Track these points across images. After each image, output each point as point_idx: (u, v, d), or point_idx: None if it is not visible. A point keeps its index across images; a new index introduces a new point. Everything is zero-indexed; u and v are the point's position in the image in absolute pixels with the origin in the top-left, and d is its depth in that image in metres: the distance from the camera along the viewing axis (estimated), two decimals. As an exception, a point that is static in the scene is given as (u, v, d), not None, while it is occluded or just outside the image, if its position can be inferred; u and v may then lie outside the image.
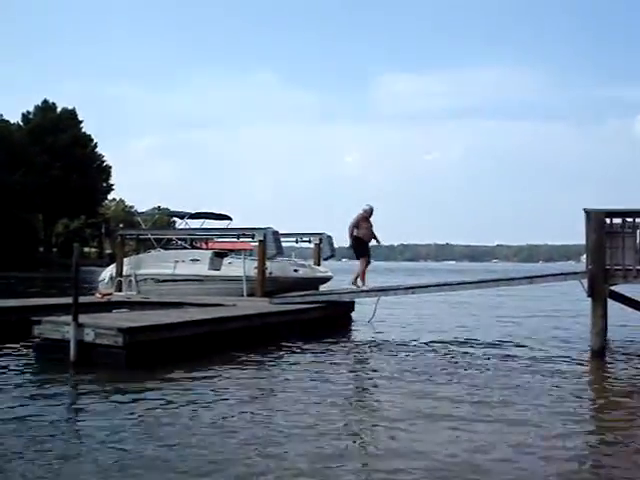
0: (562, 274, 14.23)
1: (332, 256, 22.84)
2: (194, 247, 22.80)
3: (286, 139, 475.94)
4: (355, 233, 16.27)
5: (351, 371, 10.53)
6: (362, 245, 16.39)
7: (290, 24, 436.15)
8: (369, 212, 16.47)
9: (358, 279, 16.40)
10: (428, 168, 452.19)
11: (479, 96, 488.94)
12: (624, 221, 12.59)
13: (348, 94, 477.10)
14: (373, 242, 16.87)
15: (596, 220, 12.23)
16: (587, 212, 12.49)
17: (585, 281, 12.50)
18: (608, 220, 12.39)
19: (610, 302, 12.68)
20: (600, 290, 12.15)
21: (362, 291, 16.16)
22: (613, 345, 13.18)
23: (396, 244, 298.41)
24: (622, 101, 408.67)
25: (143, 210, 35.76)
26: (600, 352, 11.92)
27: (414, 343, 13.51)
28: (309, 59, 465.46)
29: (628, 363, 11.44)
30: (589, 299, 12.27)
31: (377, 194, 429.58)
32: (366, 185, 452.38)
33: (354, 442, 6.49)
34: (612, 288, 13.11)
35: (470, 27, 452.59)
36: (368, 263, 16.66)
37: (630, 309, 14.94)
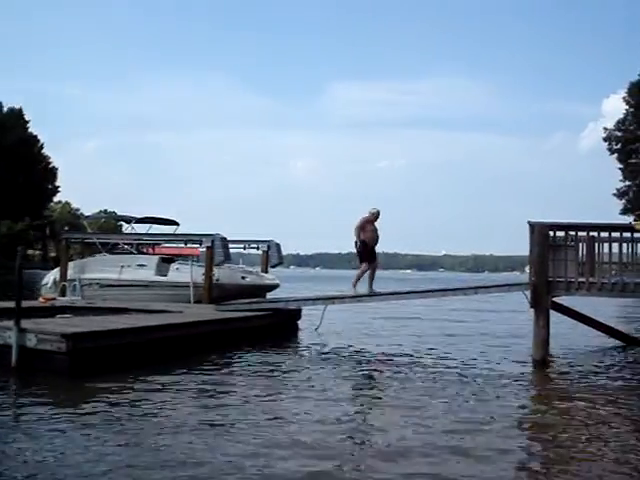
0: (506, 285, 14.49)
1: (280, 263, 22.83)
2: (140, 252, 22.54)
3: (237, 143, 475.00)
4: (361, 237, 15.72)
5: (293, 379, 10.49)
6: (366, 249, 15.87)
7: (245, 27, 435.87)
8: (375, 215, 15.96)
9: (359, 283, 16.08)
10: (377, 177, 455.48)
11: (429, 106, 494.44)
12: (567, 234, 12.88)
13: (300, 100, 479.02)
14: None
15: (539, 233, 12.46)
16: (531, 225, 12.72)
17: (528, 292, 12.72)
18: (551, 233, 12.65)
19: (554, 313, 12.94)
20: (542, 301, 12.37)
21: (308, 299, 16.19)
22: (555, 355, 13.42)
23: (344, 252, 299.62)
24: (568, 116, 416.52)
25: (89, 213, 35.40)
26: (542, 362, 12.13)
27: (358, 352, 13.58)
28: (263, 63, 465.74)
29: (568, 373, 11.66)
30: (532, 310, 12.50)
31: (326, 201, 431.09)
32: (315, 192, 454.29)
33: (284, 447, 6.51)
34: (554, 299, 13.39)
35: (422, 38, 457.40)
36: (375, 267, 16.19)
37: (572, 320, 15.31)
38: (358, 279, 15.96)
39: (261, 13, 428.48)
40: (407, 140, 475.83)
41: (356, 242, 15.72)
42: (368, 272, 15.91)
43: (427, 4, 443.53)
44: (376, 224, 15.99)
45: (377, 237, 16.05)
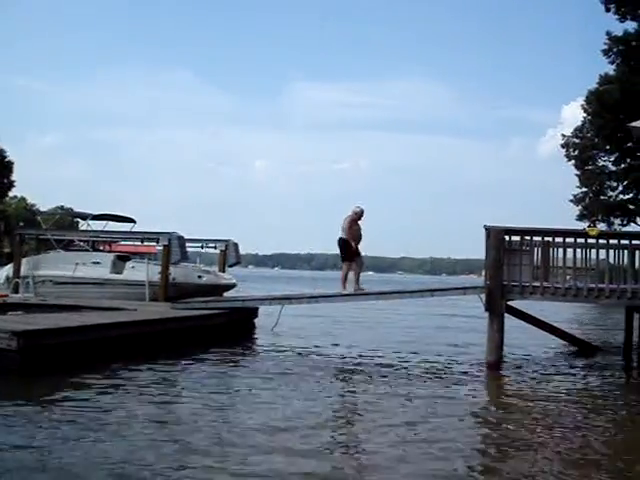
0: (462, 288, 14.57)
1: (237, 263, 22.74)
2: (96, 249, 22.30)
3: (197, 141, 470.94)
4: (343, 235, 15.58)
5: (247, 377, 10.45)
6: (349, 247, 15.68)
7: (207, 25, 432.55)
8: (359, 214, 15.80)
9: (347, 283, 15.84)
10: (337, 178, 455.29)
11: (392, 108, 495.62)
12: (522, 239, 13.01)
13: (262, 99, 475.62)
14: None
15: (495, 237, 12.56)
16: (487, 229, 12.82)
17: (484, 296, 12.81)
18: (507, 237, 12.76)
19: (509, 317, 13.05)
20: (497, 305, 12.46)
21: (265, 298, 16.13)
22: (509, 358, 13.54)
23: (303, 252, 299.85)
24: (528, 122, 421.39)
25: (45, 209, 34.94)
26: (495, 365, 12.22)
27: (311, 353, 13.58)
28: (224, 61, 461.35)
29: (520, 375, 11.78)
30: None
31: (286, 202, 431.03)
32: (275, 193, 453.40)
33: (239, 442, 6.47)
34: (509, 303, 13.50)
35: (385, 40, 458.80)
36: (361, 264, 16.07)
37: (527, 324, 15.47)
38: (345, 279, 15.75)
39: (224, 11, 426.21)
40: (369, 142, 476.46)
41: (340, 240, 15.59)
42: (354, 270, 15.76)
43: (391, 7, 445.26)
44: (360, 223, 15.88)
45: (360, 236, 15.94)
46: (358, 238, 15.84)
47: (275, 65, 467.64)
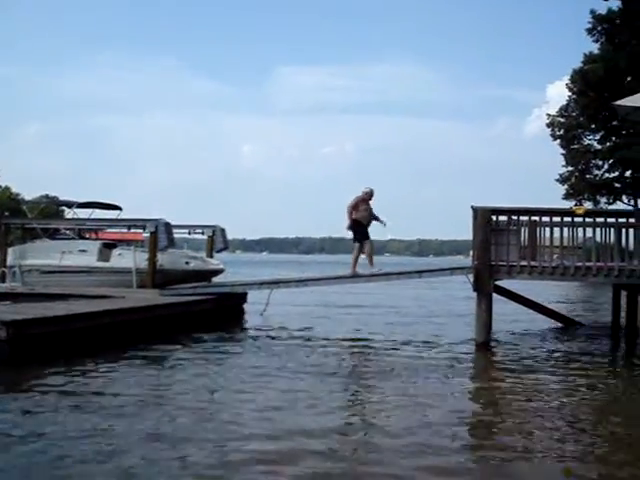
0: (450, 269, 14.63)
1: (225, 248, 22.67)
2: (82, 237, 22.18)
3: (183, 127, 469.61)
4: (353, 215, 15.44)
5: (238, 366, 10.44)
6: (360, 228, 15.54)
7: (192, 10, 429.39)
8: (369, 194, 15.65)
9: (363, 265, 15.81)
10: (324, 162, 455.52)
11: (378, 91, 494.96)
12: (509, 219, 13.04)
13: (248, 84, 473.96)
14: (376, 224, 16.04)
15: (482, 217, 12.58)
16: (474, 209, 12.85)
17: (471, 276, 12.86)
18: (494, 217, 12.79)
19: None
20: (485, 285, 12.51)
21: (254, 283, 16.13)
22: (497, 337, 13.61)
23: (291, 237, 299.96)
24: (514, 102, 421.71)
25: (30, 198, 34.76)
26: (484, 344, 12.29)
27: (302, 337, 13.60)
28: (213, 46, 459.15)
29: (509, 354, 11.83)
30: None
31: (273, 186, 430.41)
32: (262, 177, 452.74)
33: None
34: (497, 283, 13.57)
35: (371, 23, 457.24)
36: (371, 246, 15.84)
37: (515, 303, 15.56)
38: (355, 261, 15.65)
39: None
40: (355, 125, 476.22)
41: (351, 222, 15.46)
42: (366, 251, 15.69)
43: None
44: (370, 203, 15.73)
45: (371, 216, 15.73)
46: (367, 219, 15.62)
47: (260, 49, 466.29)
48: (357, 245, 15.59)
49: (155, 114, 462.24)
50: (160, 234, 18.31)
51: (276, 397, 8.00)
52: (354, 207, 15.39)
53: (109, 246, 20.29)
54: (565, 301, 24.79)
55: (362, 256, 15.66)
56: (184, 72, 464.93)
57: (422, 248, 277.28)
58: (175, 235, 19.92)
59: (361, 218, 15.48)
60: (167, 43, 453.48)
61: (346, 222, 15.55)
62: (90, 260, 19.66)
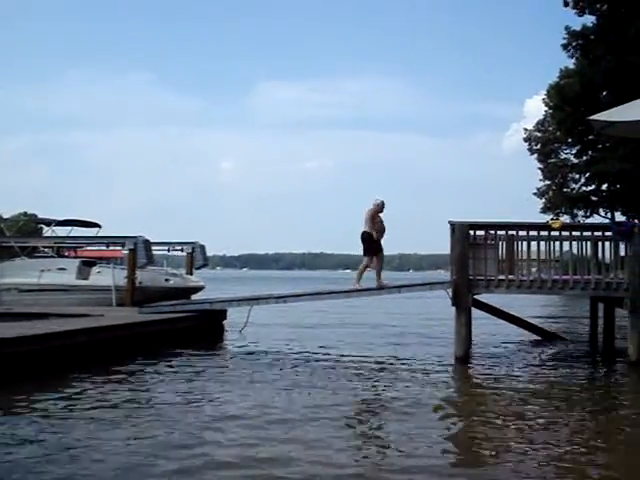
0: (429, 283, 14.70)
1: (205, 265, 22.70)
2: (61, 255, 22.11)
3: (161, 143, 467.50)
4: (367, 229, 14.97)
5: (219, 382, 10.43)
6: (371, 242, 15.06)
7: (169, 25, 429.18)
8: (381, 206, 15.24)
9: (377, 278, 15.41)
10: (304, 177, 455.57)
11: (357, 107, 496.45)
12: (487, 233, 13.14)
13: (227, 99, 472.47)
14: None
15: (460, 232, 12.67)
16: (452, 224, 12.94)
17: (450, 290, 12.93)
18: (472, 232, 12.89)
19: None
20: (463, 299, 12.58)
21: (233, 300, 16.12)
22: (476, 351, 13.69)
23: (271, 252, 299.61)
24: (493, 117, 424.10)
25: (8, 216, 34.52)
26: (463, 358, 12.34)
27: (283, 353, 13.60)
28: (188, 62, 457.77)
29: (488, 368, 11.90)
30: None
31: (253, 202, 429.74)
32: (241, 193, 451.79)
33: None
34: (476, 297, 13.65)
35: (350, 38, 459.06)
36: (381, 259, 15.45)
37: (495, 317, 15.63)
38: (361, 274, 15.40)
39: (185, 9, 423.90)
40: (335, 140, 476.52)
41: (363, 233, 15.01)
42: (375, 265, 15.38)
43: (356, 4, 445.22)
44: (381, 215, 15.36)
45: (384, 228, 15.37)
46: (381, 231, 15.31)
47: (239, 65, 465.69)
48: (366, 258, 15.28)
49: (132, 130, 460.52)
50: (139, 251, 18.28)
51: (250, 411, 8.00)
52: (372, 219, 14.99)
53: (88, 264, 20.23)
54: (545, 314, 24.93)
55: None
56: (161, 87, 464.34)
57: (402, 262, 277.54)
58: (154, 252, 19.92)
59: (377, 231, 15.11)
60: (143, 59, 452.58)
61: (361, 233, 15.06)
62: (69, 278, 19.59)
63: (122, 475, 5.72)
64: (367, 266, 15.31)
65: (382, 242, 15.39)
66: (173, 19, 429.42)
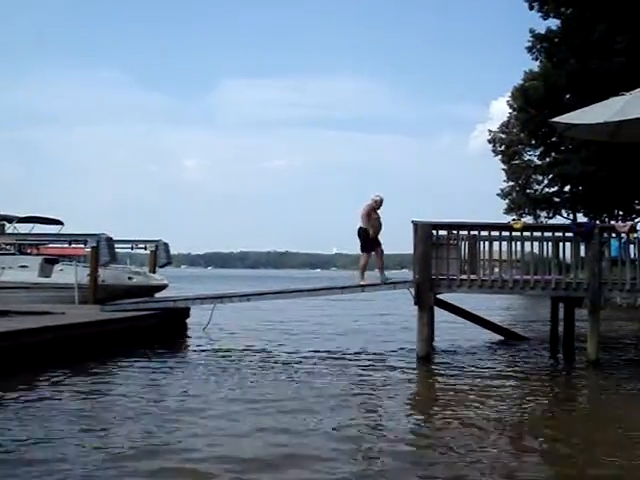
0: (392, 283, 14.74)
1: (168, 263, 22.57)
2: (23, 253, 21.87)
3: (126, 140, 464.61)
4: (363, 225, 14.81)
5: (181, 380, 10.40)
6: (366, 238, 14.86)
7: (134, 21, 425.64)
8: (379, 203, 15.05)
9: (364, 273, 15.13)
10: (270, 176, 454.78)
11: (325, 106, 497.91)
12: (449, 233, 13.25)
13: (193, 97, 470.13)
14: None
15: (423, 232, 12.77)
16: (415, 224, 13.02)
17: (413, 290, 13.01)
18: (435, 232, 12.98)
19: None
20: (426, 298, 12.67)
21: (197, 298, 16.07)
22: (438, 350, 13.79)
23: (236, 251, 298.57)
24: (459, 118, 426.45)
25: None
26: (425, 358, 12.42)
27: (244, 351, 13.59)
28: (156, 59, 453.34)
29: (449, 367, 11.99)
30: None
31: (218, 201, 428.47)
32: (207, 191, 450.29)
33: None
34: (439, 296, 13.77)
35: (318, 36, 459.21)
36: (381, 254, 15.19)
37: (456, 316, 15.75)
38: (363, 270, 15.16)
39: (153, 6, 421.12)
40: (303, 139, 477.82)
41: (360, 229, 14.85)
42: (376, 260, 15.27)
43: (323, 3, 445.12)
44: (379, 212, 15.15)
45: (380, 225, 15.11)
46: (378, 227, 15.05)
47: (206, 62, 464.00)
48: (363, 255, 15.11)
49: (97, 127, 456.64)
50: (102, 249, 18.12)
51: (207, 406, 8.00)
52: (368, 216, 14.83)
53: (50, 261, 20.06)
54: (508, 314, 25.19)
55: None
56: (127, 84, 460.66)
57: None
58: (117, 250, 19.77)
59: (372, 227, 14.88)
60: (109, 55, 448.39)
61: (357, 229, 14.93)
62: (31, 276, 19.42)
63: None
64: (366, 261, 15.14)
65: (380, 238, 15.14)
66: (141, 15, 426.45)
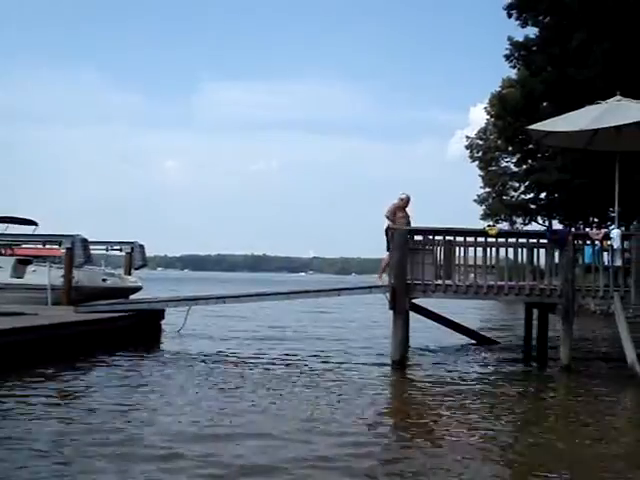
0: (368, 287, 14.78)
1: (144, 265, 22.42)
2: (-4, 253, 21.62)
3: (104, 142, 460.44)
4: (390, 224, 14.34)
5: (155, 383, 10.35)
6: (393, 237, 13.97)
7: (113, 22, 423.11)
8: (406, 201, 14.93)
9: (384, 274, 14.99)
10: (249, 179, 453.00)
11: (303, 109, 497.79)
12: (425, 238, 13.30)
13: (173, 99, 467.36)
14: None
15: (399, 237, 12.79)
16: (391, 229, 13.05)
17: (389, 294, 13.02)
18: (411, 237, 13.03)
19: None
20: (401, 303, 12.69)
21: (172, 300, 15.99)
22: (413, 355, 13.83)
23: (213, 254, 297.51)
24: (439, 124, 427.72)
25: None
26: (400, 362, 12.43)
27: (218, 354, 13.56)
28: (136, 60, 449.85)
29: (424, 371, 12.06)
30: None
31: (196, 203, 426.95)
32: (185, 193, 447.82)
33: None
34: (414, 301, 13.80)
35: (297, 40, 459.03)
36: None
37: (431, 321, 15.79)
38: (384, 269, 15.01)
39: (133, 6, 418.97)
40: (281, 143, 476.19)
41: (386, 229, 14.22)
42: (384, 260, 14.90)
43: (302, 6, 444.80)
44: (407, 210, 14.97)
45: (409, 223, 14.59)
46: (405, 226, 14.37)
47: (185, 65, 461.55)
48: (387, 254, 14.48)
49: (75, 127, 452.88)
50: (77, 250, 17.96)
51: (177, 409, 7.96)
52: (393, 214, 14.59)
53: (24, 262, 19.84)
54: (484, 319, 25.30)
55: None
56: (106, 85, 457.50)
57: (345, 266, 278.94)
58: (93, 252, 19.61)
59: (398, 226, 14.21)
60: (88, 56, 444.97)
61: (385, 228, 14.31)
62: (4, 276, 19.17)
63: None
64: (389, 262, 14.41)
65: None
66: (121, 16, 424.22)
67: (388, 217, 14.49)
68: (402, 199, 14.86)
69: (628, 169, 15.41)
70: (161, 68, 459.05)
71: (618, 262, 12.59)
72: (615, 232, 12.76)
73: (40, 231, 21.82)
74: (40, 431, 7.10)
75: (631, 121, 12.62)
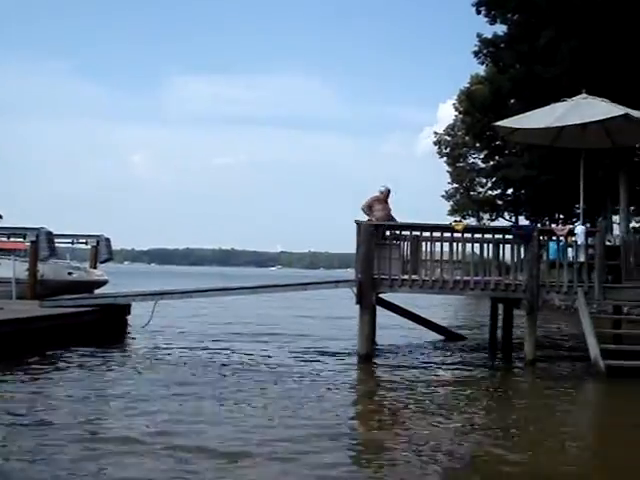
0: (335, 282, 14.78)
1: (110, 259, 22.24)
2: (-41, 246, 21.33)
3: (69, 134, 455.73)
4: (368, 217, 14.11)
5: (122, 379, 10.27)
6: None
7: (82, 13, 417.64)
8: (386, 194, 14.66)
9: None
10: (216, 173, 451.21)
11: (272, 104, 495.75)
12: (392, 233, 13.35)
13: (140, 92, 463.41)
14: None
15: (365, 231, 12.83)
16: (358, 224, 13.08)
17: (356, 289, 13.05)
18: (377, 231, 13.06)
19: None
20: (368, 298, 12.73)
21: (137, 295, 15.89)
22: (380, 349, 13.87)
23: (181, 248, 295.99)
24: (407, 120, 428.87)
25: None
26: (366, 356, 12.48)
27: (185, 349, 13.50)
28: (104, 53, 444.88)
29: (390, 366, 12.11)
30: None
31: (163, 197, 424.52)
32: (152, 187, 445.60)
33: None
34: (381, 296, 13.85)
35: (266, 34, 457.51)
36: None
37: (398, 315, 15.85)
38: None
39: (100, 2, 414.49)
40: (250, 137, 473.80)
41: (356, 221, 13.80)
42: None
43: (277, 1, 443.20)
44: (389, 203, 14.70)
45: (389, 216, 14.43)
46: (383, 219, 14.20)
47: (153, 58, 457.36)
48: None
49: (42, 120, 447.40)
50: (41, 243, 17.76)
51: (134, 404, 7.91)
52: (369, 207, 14.38)
53: (-14, 255, 19.58)
54: (450, 314, 25.46)
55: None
56: (74, 77, 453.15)
57: (313, 260, 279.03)
58: (58, 245, 19.42)
59: (377, 219, 14.18)
60: (56, 48, 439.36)
61: (368, 217, 14.17)
62: (-34, 270, 18.90)
63: None
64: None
65: None
66: (91, 8, 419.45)
67: (364, 210, 14.34)
68: (382, 192, 14.72)
69: (593, 166, 15.59)
70: (130, 61, 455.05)
71: (582, 258, 12.76)
72: (579, 228, 12.93)
73: (4, 224, 21.56)
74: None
75: (596, 119, 12.77)
